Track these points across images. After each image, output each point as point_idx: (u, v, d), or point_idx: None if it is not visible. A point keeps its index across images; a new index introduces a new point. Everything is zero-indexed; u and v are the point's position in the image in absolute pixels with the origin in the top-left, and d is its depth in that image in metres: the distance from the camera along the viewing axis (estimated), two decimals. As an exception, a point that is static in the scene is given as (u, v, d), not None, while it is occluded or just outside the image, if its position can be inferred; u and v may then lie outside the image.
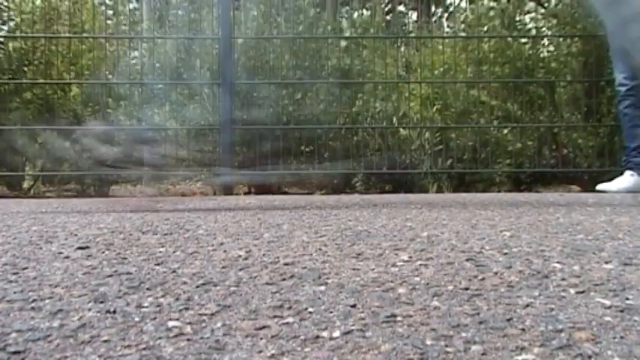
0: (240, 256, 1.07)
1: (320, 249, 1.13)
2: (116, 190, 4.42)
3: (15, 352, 0.58)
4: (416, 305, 0.73)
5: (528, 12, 4.24)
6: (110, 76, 4.14)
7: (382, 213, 1.78)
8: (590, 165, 3.82)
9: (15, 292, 0.81)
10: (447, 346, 0.59)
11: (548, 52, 4.20)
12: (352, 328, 0.65)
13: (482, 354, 0.57)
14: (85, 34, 4.08)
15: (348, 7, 4.77)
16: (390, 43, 4.50)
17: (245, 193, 4.02)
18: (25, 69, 4.00)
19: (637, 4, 2.02)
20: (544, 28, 4.21)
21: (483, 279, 0.87)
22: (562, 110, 3.94)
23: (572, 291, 0.79)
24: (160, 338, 0.62)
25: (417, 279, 0.87)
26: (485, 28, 4.20)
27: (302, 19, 4.13)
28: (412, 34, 5.24)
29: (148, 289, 0.83)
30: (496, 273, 0.90)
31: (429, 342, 0.60)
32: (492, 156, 3.93)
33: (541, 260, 1.00)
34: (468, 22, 4.41)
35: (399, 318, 0.68)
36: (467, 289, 0.81)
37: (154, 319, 0.68)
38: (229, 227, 1.46)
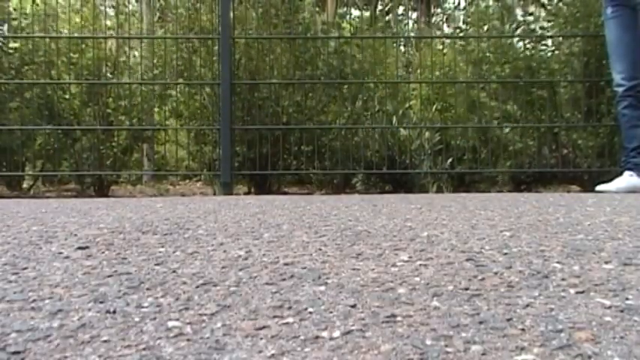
0: (240, 256, 1.07)
1: (320, 249, 1.12)
2: (116, 190, 4.42)
3: (15, 352, 0.58)
4: (416, 305, 0.73)
5: (529, 13, 4.24)
6: (110, 76, 4.14)
7: (382, 213, 1.78)
8: (590, 165, 3.82)
9: (15, 292, 0.81)
10: (447, 346, 0.59)
11: (549, 52, 4.20)
12: (352, 328, 0.65)
13: (482, 354, 0.57)
14: (85, 34, 4.08)
15: (346, 8, 4.77)
16: (390, 43, 4.50)
17: (245, 193, 4.01)
18: (26, 67, 4.00)
19: None
20: (546, 29, 4.21)
21: (483, 279, 0.87)
22: (562, 110, 3.94)
23: (572, 291, 0.79)
24: (159, 338, 0.62)
25: (417, 279, 0.87)
26: (486, 28, 4.20)
27: (301, 19, 4.13)
28: (412, 34, 5.24)
29: (147, 289, 0.83)
30: (496, 273, 0.90)
31: (429, 342, 0.60)
32: (492, 156, 3.93)
33: (541, 260, 1.00)
34: (468, 21, 4.41)
35: (399, 318, 0.68)
36: (467, 289, 0.81)
37: (154, 319, 0.68)
38: (229, 227, 1.46)
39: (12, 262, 1.03)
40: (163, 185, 4.82)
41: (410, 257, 1.03)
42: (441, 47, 4.55)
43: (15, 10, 4.16)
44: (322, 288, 0.82)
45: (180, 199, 2.76)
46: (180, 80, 4.03)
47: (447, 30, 4.68)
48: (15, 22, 4.11)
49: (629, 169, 2.98)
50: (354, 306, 0.73)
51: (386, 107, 4.09)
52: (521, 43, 4.17)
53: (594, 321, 0.66)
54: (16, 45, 4.05)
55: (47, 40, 3.95)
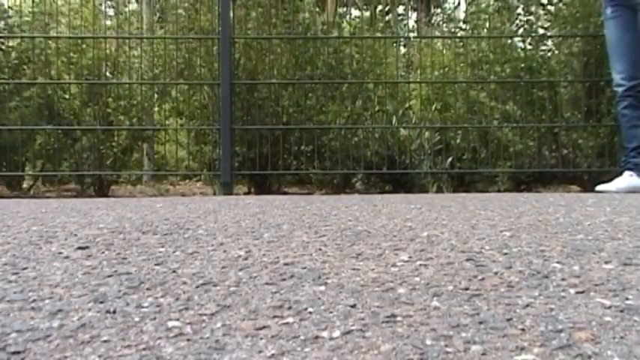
0: (240, 256, 1.07)
1: (320, 249, 1.13)
2: (116, 190, 4.42)
3: (15, 352, 0.58)
4: (416, 305, 0.73)
5: (529, 13, 4.23)
6: (110, 76, 4.14)
7: (382, 213, 1.78)
8: (590, 165, 3.82)
9: (15, 292, 0.81)
10: (447, 346, 0.59)
11: (549, 52, 4.19)
12: (352, 328, 0.65)
13: (482, 354, 0.57)
14: (85, 34, 4.08)
15: (346, 8, 4.77)
16: (389, 43, 4.50)
17: (245, 193, 4.01)
18: (25, 67, 4.00)
19: None
20: (546, 29, 4.20)
21: (483, 279, 0.87)
22: (562, 110, 3.94)
23: (572, 291, 0.79)
24: (159, 338, 0.62)
25: (417, 279, 0.87)
26: (486, 29, 4.20)
27: (301, 19, 4.13)
28: (412, 34, 5.24)
29: (147, 289, 0.83)
30: (496, 273, 0.90)
31: (429, 342, 0.60)
32: (492, 156, 3.93)
33: (541, 260, 1.00)
34: (468, 20, 4.41)
35: (399, 318, 0.68)
36: (467, 289, 0.81)
37: (154, 319, 0.69)
38: (229, 227, 1.46)
39: (12, 262, 1.03)
40: (163, 185, 4.82)
41: (410, 257, 1.03)
42: (440, 47, 4.55)
43: (11, 8, 4.15)
44: (322, 288, 0.82)
45: (180, 199, 2.76)
46: (180, 80, 4.03)
47: (446, 30, 4.67)
48: (12, 20, 4.11)
49: (629, 169, 2.98)
50: (354, 306, 0.73)
51: (386, 107, 4.09)
52: (521, 44, 4.17)
53: (594, 321, 0.66)
54: (14, 45, 4.05)
55: (47, 39, 3.95)
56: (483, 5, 4.30)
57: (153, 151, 5.05)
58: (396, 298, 0.76)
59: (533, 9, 4.20)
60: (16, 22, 4.09)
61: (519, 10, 4.23)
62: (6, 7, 4.18)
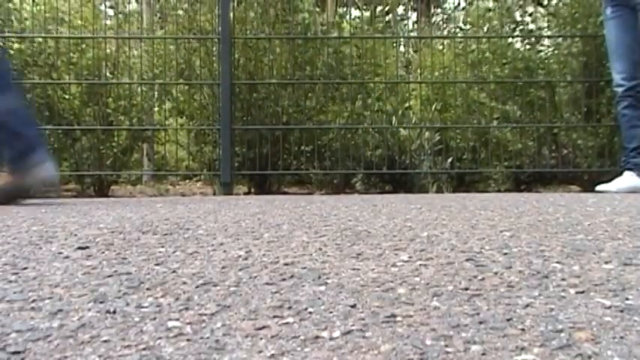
0: (240, 256, 1.07)
1: (320, 249, 1.13)
2: (116, 190, 4.42)
3: (15, 352, 0.58)
4: (416, 305, 0.73)
5: (528, 13, 4.23)
6: (110, 76, 4.14)
7: (382, 213, 1.78)
8: (590, 165, 3.82)
9: (15, 292, 0.81)
10: (447, 346, 0.59)
11: (548, 52, 4.19)
12: (352, 328, 0.65)
13: (482, 354, 0.57)
14: (85, 34, 4.08)
15: (346, 8, 4.78)
16: (389, 44, 4.50)
17: (245, 193, 4.01)
18: (28, 69, 4.00)
19: None
20: (545, 29, 4.21)
21: (483, 279, 0.87)
22: (562, 110, 3.94)
23: (572, 291, 0.79)
24: (159, 338, 0.62)
25: (417, 279, 0.87)
26: (485, 29, 4.20)
27: (301, 19, 4.13)
28: (412, 34, 5.24)
29: (147, 289, 0.83)
30: (496, 273, 0.90)
31: (429, 342, 0.60)
32: (492, 156, 3.93)
33: (541, 260, 1.00)
34: (467, 21, 4.41)
35: (399, 318, 0.68)
36: (467, 289, 0.81)
37: (154, 319, 0.69)
38: (229, 227, 1.46)
39: (12, 262, 1.03)
40: (163, 185, 4.81)
41: (410, 257, 1.03)
42: (440, 47, 4.55)
43: (15, 10, 4.15)
44: (322, 288, 0.82)
45: (181, 199, 2.76)
46: (180, 80, 4.03)
47: (447, 30, 4.67)
48: (16, 23, 4.11)
49: (629, 169, 2.98)
50: (354, 306, 0.73)
51: (386, 107, 4.09)
52: (520, 44, 4.18)
53: (594, 321, 0.66)
54: (18, 46, 4.04)
55: (48, 40, 3.95)
56: (483, 6, 4.30)
57: (153, 151, 5.04)
58: (396, 298, 0.76)
59: (532, 10, 4.20)
60: (21, 25, 4.09)
61: (519, 11, 4.23)
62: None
